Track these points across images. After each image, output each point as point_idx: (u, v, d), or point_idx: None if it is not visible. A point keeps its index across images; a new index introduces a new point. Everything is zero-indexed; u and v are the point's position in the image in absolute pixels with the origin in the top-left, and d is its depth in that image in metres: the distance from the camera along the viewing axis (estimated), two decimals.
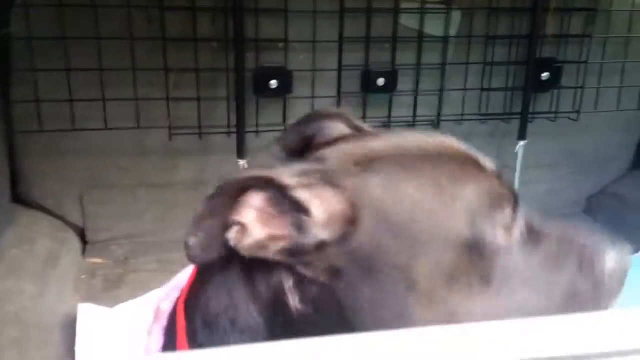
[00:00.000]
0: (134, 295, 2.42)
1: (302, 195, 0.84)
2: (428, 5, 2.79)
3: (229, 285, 0.94)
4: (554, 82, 3.00)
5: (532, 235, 0.91)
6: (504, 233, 0.86)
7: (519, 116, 2.94)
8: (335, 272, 0.85)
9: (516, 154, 2.93)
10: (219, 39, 2.61)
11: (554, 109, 3.04)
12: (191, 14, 2.53)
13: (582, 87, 3.01)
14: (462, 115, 2.95)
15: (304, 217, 0.84)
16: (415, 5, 2.79)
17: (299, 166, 0.89)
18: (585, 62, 2.99)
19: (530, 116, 2.96)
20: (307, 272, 0.86)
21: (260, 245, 0.85)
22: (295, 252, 0.85)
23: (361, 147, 0.93)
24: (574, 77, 3.01)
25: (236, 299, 0.93)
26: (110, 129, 2.54)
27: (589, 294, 0.89)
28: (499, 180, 0.90)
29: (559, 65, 2.99)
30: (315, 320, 0.88)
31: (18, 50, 2.43)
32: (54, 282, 2.36)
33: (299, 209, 0.84)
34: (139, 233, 2.80)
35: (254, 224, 0.85)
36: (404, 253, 0.83)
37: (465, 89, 2.92)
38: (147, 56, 2.53)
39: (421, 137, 0.95)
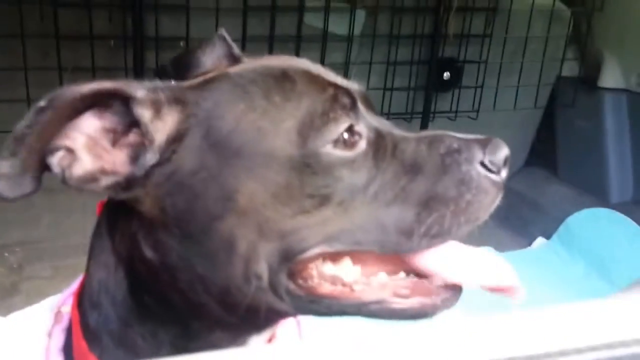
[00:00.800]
0: (29, 303, 2.33)
1: (145, 114, 0.80)
2: (332, 4, 2.77)
3: (103, 259, 0.90)
4: (455, 82, 3.05)
5: (385, 145, 0.87)
6: (344, 147, 0.83)
7: (420, 115, 2.98)
8: (163, 201, 0.82)
9: None
10: (116, 37, 2.52)
11: (454, 108, 3.09)
12: (86, 11, 2.43)
13: (481, 87, 3.08)
14: None
15: (143, 145, 0.81)
16: (320, 3, 2.76)
17: (151, 84, 0.83)
18: (485, 61, 3.06)
19: (431, 115, 3.00)
20: (140, 207, 0.83)
21: (90, 177, 0.80)
22: (127, 187, 0.82)
23: (219, 69, 0.93)
24: (474, 76, 3.08)
25: (108, 268, 0.90)
26: (2, 132, 2.40)
27: (452, 195, 0.84)
28: (344, 97, 0.85)
29: (459, 64, 3.04)
30: (166, 266, 0.85)
31: None
32: None
33: (139, 133, 0.81)
34: (33, 239, 2.69)
35: (85, 153, 0.79)
36: (227, 172, 0.81)
37: (367, 89, 2.90)
38: (39, 55, 2.43)
39: (279, 59, 0.93)
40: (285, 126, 0.81)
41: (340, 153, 0.82)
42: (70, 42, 2.44)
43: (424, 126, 2.96)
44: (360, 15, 2.85)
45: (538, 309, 0.53)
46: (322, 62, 2.74)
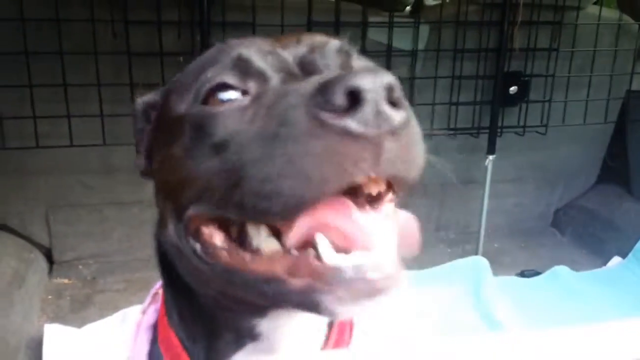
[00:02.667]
0: (101, 316, 2.39)
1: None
2: (396, 19, 2.79)
3: None
4: (522, 96, 3.01)
5: (265, 102, 0.75)
6: (213, 105, 0.79)
7: (487, 130, 2.95)
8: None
9: (485, 168, 2.93)
10: (185, 53, 2.57)
11: (521, 123, 3.05)
12: (156, 28, 2.50)
13: (549, 101, 3.03)
14: (431, 129, 2.94)
15: None
16: (384, 19, 2.78)
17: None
18: (553, 75, 3.01)
19: (498, 130, 2.97)
20: None
21: None
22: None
23: None
24: (541, 90, 3.03)
25: None
26: (76, 146, 2.49)
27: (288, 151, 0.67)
28: (244, 63, 0.81)
29: (526, 78, 3.01)
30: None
31: None
32: (19, 303, 2.31)
33: None
34: (105, 252, 2.76)
35: None
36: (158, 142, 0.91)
37: (434, 104, 2.92)
38: (112, 71, 2.50)
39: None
40: (189, 94, 0.82)
41: (209, 109, 0.79)
42: (141, 58, 2.50)
43: (491, 141, 2.92)
44: (424, 29, 2.86)
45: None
46: None
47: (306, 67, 0.80)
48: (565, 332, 0.51)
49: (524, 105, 3.04)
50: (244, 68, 0.80)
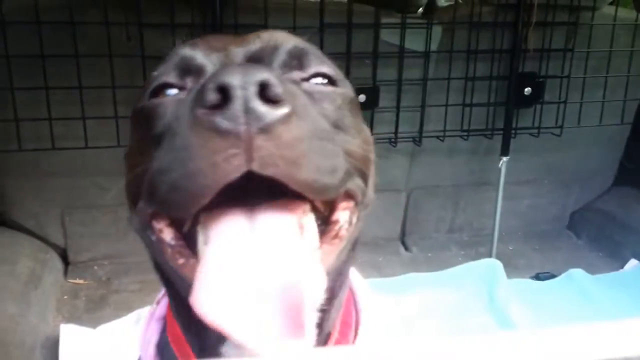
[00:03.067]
0: (116, 316, 2.41)
1: None
2: (409, 21, 2.79)
3: None
4: (537, 97, 2.99)
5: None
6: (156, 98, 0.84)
7: (501, 132, 2.94)
8: None
9: (499, 170, 2.92)
10: None
11: (536, 124, 3.03)
12: (170, 31, 2.52)
13: (564, 102, 3.01)
14: (444, 131, 2.94)
15: None
16: (396, 20, 2.78)
17: None
18: (568, 76, 2.99)
19: (513, 131, 2.96)
20: None
21: None
22: None
23: None
24: (557, 91, 3.01)
25: None
26: (91, 148, 2.52)
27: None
28: (186, 62, 0.85)
29: (541, 79, 2.99)
30: None
31: None
32: (35, 303, 2.34)
33: None
34: (120, 253, 2.78)
35: None
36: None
37: (447, 105, 2.92)
38: (126, 74, 2.52)
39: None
40: (145, 93, 0.86)
41: (147, 104, 0.83)
42: (155, 61, 2.50)
43: (505, 142, 2.91)
44: (437, 30, 2.85)
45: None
46: (400, 79, 2.80)
47: (247, 52, 0.84)
48: (575, 329, 0.50)
49: (538, 107, 3.02)
50: (184, 66, 0.83)
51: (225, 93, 0.65)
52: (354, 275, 1.10)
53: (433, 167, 3.14)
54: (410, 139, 2.94)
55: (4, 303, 2.17)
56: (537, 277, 2.97)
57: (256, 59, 0.83)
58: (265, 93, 0.65)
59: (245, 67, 0.69)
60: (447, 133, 2.95)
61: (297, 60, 0.85)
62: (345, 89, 0.89)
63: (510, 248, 3.21)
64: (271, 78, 0.66)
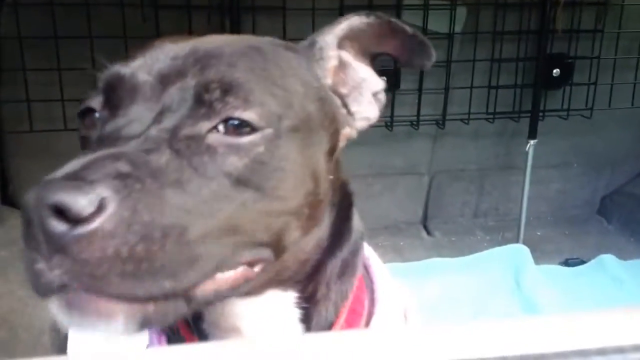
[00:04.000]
0: None
1: None
2: (432, 1, 2.72)
3: None
4: (565, 79, 2.91)
5: None
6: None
7: (528, 114, 2.86)
8: None
9: (526, 154, 2.84)
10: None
11: (565, 106, 2.94)
12: (186, 12, 2.49)
13: (594, 84, 2.92)
14: (469, 114, 2.87)
15: None
16: (419, 1, 2.72)
17: None
18: (598, 57, 2.90)
19: (540, 114, 2.87)
20: None
21: None
22: None
23: None
24: (586, 73, 2.92)
25: None
26: None
27: None
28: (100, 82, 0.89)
29: (570, 61, 2.90)
30: None
31: (7, 49, 2.42)
32: None
33: None
34: None
35: None
36: None
37: (472, 87, 2.85)
38: None
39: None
40: None
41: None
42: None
43: (533, 125, 2.83)
44: (462, 11, 2.78)
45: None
46: None
47: (164, 80, 0.81)
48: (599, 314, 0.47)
49: (567, 88, 2.93)
50: (106, 89, 0.85)
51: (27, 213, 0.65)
52: (374, 263, 1.10)
53: (457, 150, 3.07)
54: (433, 122, 2.88)
55: (12, 284, 2.16)
56: (566, 263, 2.89)
57: (169, 83, 0.80)
58: (64, 212, 0.64)
59: (51, 185, 0.66)
60: (472, 116, 2.88)
61: (204, 102, 0.78)
62: (271, 132, 0.79)
63: (539, 233, 3.12)
64: (66, 199, 0.64)
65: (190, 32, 2.48)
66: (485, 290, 2.65)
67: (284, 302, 0.92)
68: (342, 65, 0.95)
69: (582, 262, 2.88)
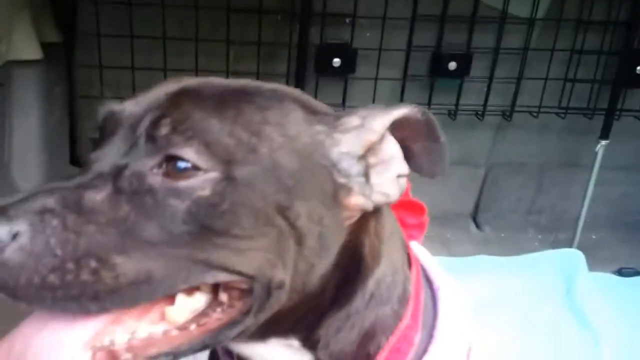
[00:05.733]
0: None
1: None
2: None
3: None
4: None
5: None
6: None
7: (603, 112, 2.67)
8: None
9: (595, 154, 2.67)
10: (284, 12, 2.47)
11: None
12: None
13: None
14: (540, 107, 2.69)
15: None
16: None
17: None
18: None
19: (616, 113, 2.69)
20: None
21: None
22: None
23: None
24: None
25: None
26: None
27: None
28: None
29: None
30: None
31: (84, 13, 2.38)
32: None
33: None
34: None
35: None
36: None
37: (546, 78, 2.67)
38: (210, 26, 2.43)
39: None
40: None
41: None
42: (239, 15, 2.43)
43: (607, 124, 2.64)
44: None
45: None
46: (497, 47, 2.55)
47: (139, 117, 0.81)
48: None
49: None
50: (100, 125, 0.86)
51: None
52: (446, 293, 1.06)
53: (520, 143, 2.91)
54: (500, 113, 2.71)
55: None
56: (620, 273, 2.76)
57: (141, 120, 0.80)
58: None
59: None
60: (543, 109, 2.70)
61: (152, 138, 0.77)
62: (218, 174, 0.75)
63: (594, 237, 2.97)
64: None
65: (261, 4, 2.42)
66: (535, 294, 2.55)
67: (290, 349, 0.93)
68: (380, 139, 0.88)
69: (637, 273, 2.75)
